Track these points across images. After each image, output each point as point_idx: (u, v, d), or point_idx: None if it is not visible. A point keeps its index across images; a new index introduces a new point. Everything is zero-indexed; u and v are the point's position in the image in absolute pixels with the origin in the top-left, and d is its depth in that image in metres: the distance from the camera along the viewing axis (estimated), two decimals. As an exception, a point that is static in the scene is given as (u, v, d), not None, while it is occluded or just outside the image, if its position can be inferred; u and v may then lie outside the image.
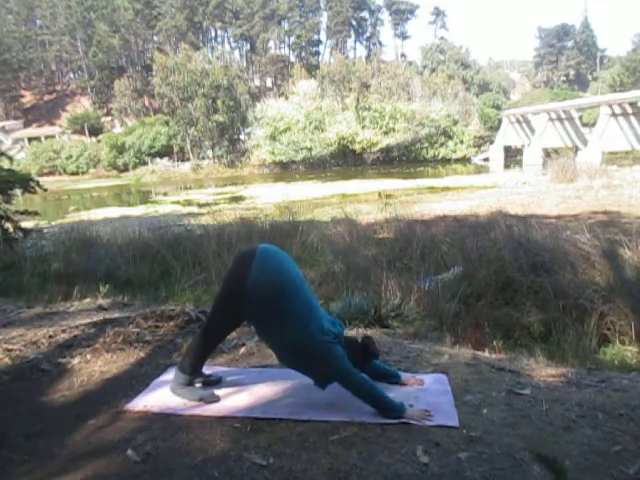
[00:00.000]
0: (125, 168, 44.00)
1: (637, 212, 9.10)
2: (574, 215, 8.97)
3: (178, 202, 22.43)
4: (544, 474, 1.73)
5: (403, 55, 75.38)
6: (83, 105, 60.68)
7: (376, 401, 2.10)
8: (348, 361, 2.11)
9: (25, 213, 7.93)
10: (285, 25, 69.10)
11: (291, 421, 2.09)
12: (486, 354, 3.17)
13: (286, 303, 2.11)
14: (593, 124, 33.61)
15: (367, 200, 16.61)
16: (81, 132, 52.28)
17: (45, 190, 8.50)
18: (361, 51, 78.25)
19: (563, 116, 33.52)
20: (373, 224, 8.76)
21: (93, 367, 2.80)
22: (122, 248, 6.96)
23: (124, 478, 1.77)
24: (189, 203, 21.63)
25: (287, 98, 44.84)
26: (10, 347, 3.08)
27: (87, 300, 4.76)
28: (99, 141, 47.50)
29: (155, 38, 67.11)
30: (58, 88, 65.63)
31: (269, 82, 67.64)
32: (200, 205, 19.87)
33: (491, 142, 41.91)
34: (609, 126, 27.74)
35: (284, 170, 39.81)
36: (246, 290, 2.10)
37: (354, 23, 71.06)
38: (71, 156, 44.90)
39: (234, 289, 2.18)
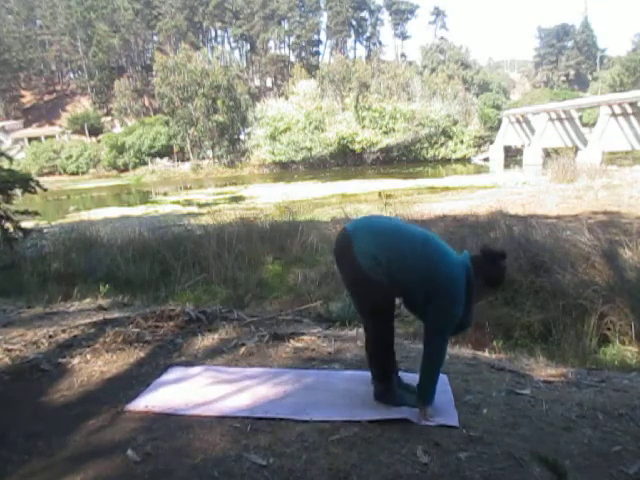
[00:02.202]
0: (125, 168, 43.96)
1: (637, 212, 9.09)
2: (574, 215, 8.96)
3: (178, 202, 22.42)
4: (544, 474, 1.73)
5: (403, 55, 75.29)
6: (83, 105, 60.63)
7: (431, 378, 2.06)
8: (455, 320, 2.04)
9: (25, 213, 7.92)
10: (285, 25, 69.03)
11: (291, 421, 2.10)
12: (486, 354, 3.18)
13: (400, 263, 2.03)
14: (593, 124, 33.57)
15: (367, 200, 16.60)
16: (81, 132, 52.23)
17: (45, 190, 8.49)
18: (361, 51, 78.34)
19: (563, 116, 33.48)
20: (373, 224, 8.74)
21: (93, 367, 2.80)
22: (122, 248, 6.97)
23: (124, 478, 1.77)
24: (189, 203, 21.63)
25: (287, 98, 44.78)
26: (10, 347, 3.08)
27: (87, 300, 4.77)
28: (99, 141, 47.44)
29: (155, 38, 67.06)
30: (58, 88, 65.59)
31: (269, 82, 67.59)
32: (200, 205, 19.86)
33: (491, 142, 41.86)
34: (609, 126, 27.71)
35: (284, 170, 39.78)
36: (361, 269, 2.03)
37: (354, 23, 70.98)
38: (71, 156, 44.86)
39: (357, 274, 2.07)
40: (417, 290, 2.06)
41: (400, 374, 2.38)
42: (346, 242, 2.10)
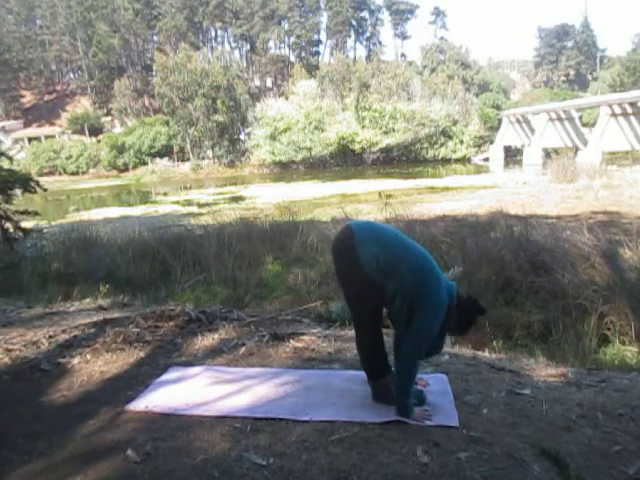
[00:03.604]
0: (125, 168, 43.95)
1: (637, 212, 9.09)
2: (574, 215, 8.96)
3: (178, 202, 22.40)
4: (544, 474, 1.73)
5: (403, 55, 75.28)
6: (83, 105, 60.62)
7: (404, 389, 2.07)
8: (429, 336, 2.06)
9: (25, 213, 7.92)
10: (285, 25, 69.02)
11: (291, 421, 2.10)
12: (486, 354, 3.18)
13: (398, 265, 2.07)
14: (593, 124, 33.58)
15: (367, 200, 16.59)
16: (81, 132, 52.21)
17: (45, 190, 8.49)
18: (361, 51, 78.15)
19: (563, 116, 33.49)
20: (373, 224, 8.72)
21: (93, 367, 2.80)
22: (122, 248, 6.97)
23: (124, 478, 1.77)
24: (189, 203, 21.61)
25: (287, 98, 44.77)
26: (10, 347, 3.08)
27: (87, 300, 4.78)
28: (99, 141, 47.43)
29: (155, 38, 67.04)
30: (58, 88, 65.56)
31: (269, 82, 67.57)
32: (200, 205, 19.85)
33: (491, 142, 41.87)
34: (609, 126, 27.71)
35: (284, 170, 39.78)
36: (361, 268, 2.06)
37: (354, 23, 70.95)
38: (71, 156, 44.85)
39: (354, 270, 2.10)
40: (402, 302, 2.08)
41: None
42: (349, 238, 2.13)
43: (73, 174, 44.46)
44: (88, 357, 2.92)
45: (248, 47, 69.46)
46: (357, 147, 39.70)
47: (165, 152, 43.89)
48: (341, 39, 70.49)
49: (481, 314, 2.18)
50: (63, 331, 3.35)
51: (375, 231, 2.20)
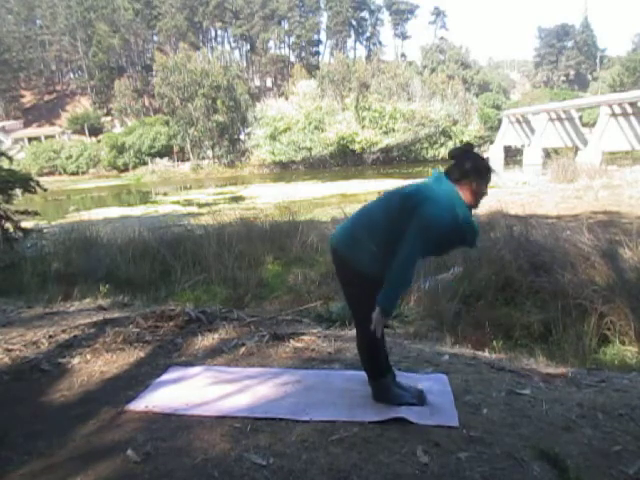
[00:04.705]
0: (125, 168, 43.96)
1: (637, 212, 9.09)
2: (574, 215, 8.96)
3: (178, 202, 22.40)
4: (544, 474, 1.73)
5: (403, 55, 75.27)
6: (83, 105, 60.61)
7: (392, 293, 1.98)
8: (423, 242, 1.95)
9: (25, 213, 7.92)
10: (285, 25, 69.03)
11: (291, 421, 2.10)
12: (486, 354, 3.18)
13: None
14: (593, 124, 33.57)
15: (367, 200, 16.52)
16: (81, 132, 52.20)
17: (45, 190, 8.49)
18: (361, 51, 78.13)
19: (563, 116, 33.48)
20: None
21: (93, 367, 2.80)
22: (122, 248, 6.97)
23: (124, 478, 1.77)
24: (189, 203, 21.61)
25: (287, 98, 44.81)
26: (10, 347, 3.08)
27: (87, 300, 4.78)
28: (99, 141, 47.42)
29: (155, 38, 67.05)
30: (58, 88, 65.56)
31: (269, 82, 67.58)
32: (200, 205, 19.84)
33: (491, 142, 41.85)
34: (609, 126, 27.68)
35: (284, 170, 39.79)
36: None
37: (354, 23, 70.98)
38: (71, 156, 44.85)
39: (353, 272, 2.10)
40: (398, 227, 1.99)
41: (399, 375, 2.38)
42: (333, 252, 2.21)
43: (73, 174, 44.46)
44: (88, 357, 2.93)
45: (248, 47, 69.45)
46: (357, 147, 39.69)
47: (165, 152, 43.88)
48: (341, 39, 70.48)
49: (470, 148, 2.12)
50: (63, 331, 3.35)
51: (348, 220, 2.26)
